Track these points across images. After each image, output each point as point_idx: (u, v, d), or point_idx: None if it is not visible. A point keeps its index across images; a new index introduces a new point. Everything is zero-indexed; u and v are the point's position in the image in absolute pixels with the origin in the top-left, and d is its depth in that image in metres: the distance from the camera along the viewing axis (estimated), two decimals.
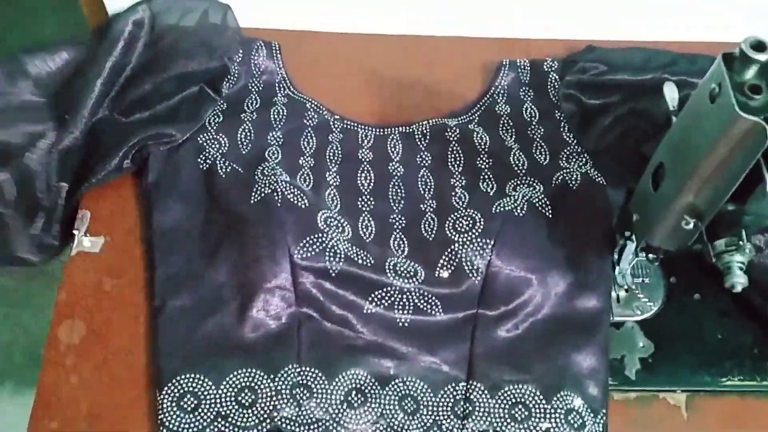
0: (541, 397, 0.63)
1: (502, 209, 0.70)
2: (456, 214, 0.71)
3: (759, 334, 0.70)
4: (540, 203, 0.71)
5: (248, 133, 0.76)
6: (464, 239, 0.68)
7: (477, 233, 0.69)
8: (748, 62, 0.49)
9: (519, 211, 0.70)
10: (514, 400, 0.63)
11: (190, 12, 0.79)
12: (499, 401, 0.63)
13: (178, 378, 0.62)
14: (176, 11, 0.79)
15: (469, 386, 0.64)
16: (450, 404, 0.64)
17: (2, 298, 1.44)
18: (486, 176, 0.74)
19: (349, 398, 0.63)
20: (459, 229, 0.70)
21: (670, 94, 0.62)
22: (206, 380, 0.62)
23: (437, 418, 0.63)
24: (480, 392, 0.64)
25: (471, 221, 0.70)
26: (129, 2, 0.80)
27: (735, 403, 0.67)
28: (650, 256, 0.65)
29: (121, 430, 0.63)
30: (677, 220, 0.57)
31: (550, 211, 0.71)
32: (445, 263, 0.68)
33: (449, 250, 0.68)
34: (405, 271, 0.68)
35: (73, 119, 0.73)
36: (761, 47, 0.49)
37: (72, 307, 0.67)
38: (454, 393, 0.64)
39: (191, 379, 0.62)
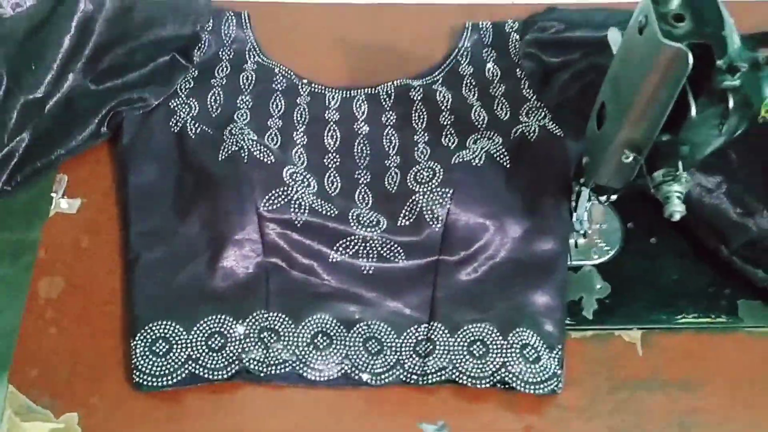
0: (498, 333, 0.66)
1: (461, 160, 0.73)
2: (417, 167, 0.74)
3: (714, 274, 0.72)
4: (498, 154, 0.74)
5: (218, 98, 0.79)
6: (425, 189, 0.71)
7: (436, 183, 0.71)
8: None
9: (477, 161, 0.73)
10: (472, 338, 0.66)
11: None
12: (459, 339, 0.66)
13: (151, 325, 0.65)
14: None
15: (430, 327, 0.67)
16: (412, 344, 0.66)
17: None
18: (448, 132, 0.77)
19: (315, 341, 0.66)
20: (420, 180, 0.72)
21: (613, 38, 0.65)
22: (178, 326, 0.65)
23: (400, 357, 0.66)
24: (441, 332, 0.66)
25: (431, 172, 0.72)
26: None
27: (690, 339, 0.69)
28: (601, 197, 0.68)
29: (99, 376, 0.66)
30: (618, 155, 0.60)
31: (508, 162, 0.74)
32: (407, 213, 0.71)
33: (411, 200, 0.71)
34: (368, 221, 0.70)
35: (41, 71, 0.74)
36: None
37: (51, 263, 0.71)
38: (416, 334, 0.67)
39: (163, 326, 0.65)
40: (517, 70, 0.83)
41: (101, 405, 0.64)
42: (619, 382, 0.67)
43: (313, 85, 0.82)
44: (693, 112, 0.52)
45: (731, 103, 0.52)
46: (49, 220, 0.73)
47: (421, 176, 0.73)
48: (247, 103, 0.79)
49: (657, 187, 0.59)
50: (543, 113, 0.78)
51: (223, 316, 0.66)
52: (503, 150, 0.74)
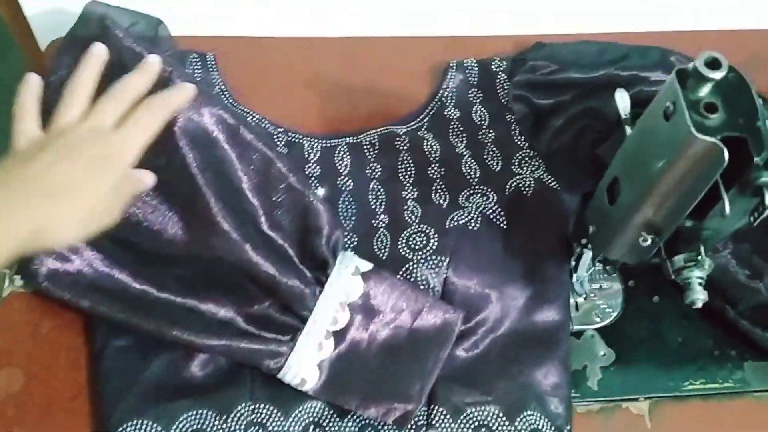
0: (505, 418, 0.62)
1: (456, 223, 0.68)
2: (409, 230, 0.68)
3: (718, 335, 0.69)
4: (494, 214, 0.69)
5: None
6: (418, 257, 0.66)
7: (431, 250, 0.66)
8: (703, 80, 0.47)
9: (473, 224, 0.68)
10: (477, 423, 0.62)
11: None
12: (462, 424, 0.62)
13: (125, 426, 0.59)
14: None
15: (430, 411, 0.62)
16: (412, 430, 0.62)
17: None
18: (438, 186, 0.72)
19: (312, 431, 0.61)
20: (413, 246, 0.67)
21: (622, 102, 0.60)
22: (155, 426, 0.59)
23: None
24: (442, 417, 0.62)
25: (425, 238, 0.67)
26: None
27: (698, 408, 0.66)
28: (608, 267, 0.64)
29: None
30: (635, 235, 0.56)
31: (504, 222, 0.69)
32: None
33: (404, 269, 0.66)
34: None
35: None
36: (716, 64, 0.47)
37: (9, 353, 0.64)
38: (416, 419, 0.62)
39: (139, 426, 0.59)
40: (506, 114, 0.78)
41: None
42: None
43: (289, 134, 0.76)
44: (727, 209, 0.48)
45: None
46: (5, 303, 0.65)
47: (414, 242, 0.68)
48: None
49: (677, 272, 0.55)
50: (537, 163, 0.74)
51: (204, 411, 0.60)
52: (498, 209, 0.70)
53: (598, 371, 0.67)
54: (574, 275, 0.69)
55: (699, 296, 0.54)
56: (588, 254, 0.66)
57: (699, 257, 0.54)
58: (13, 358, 0.63)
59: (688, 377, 0.68)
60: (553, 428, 0.62)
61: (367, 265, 0.64)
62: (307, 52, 0.83)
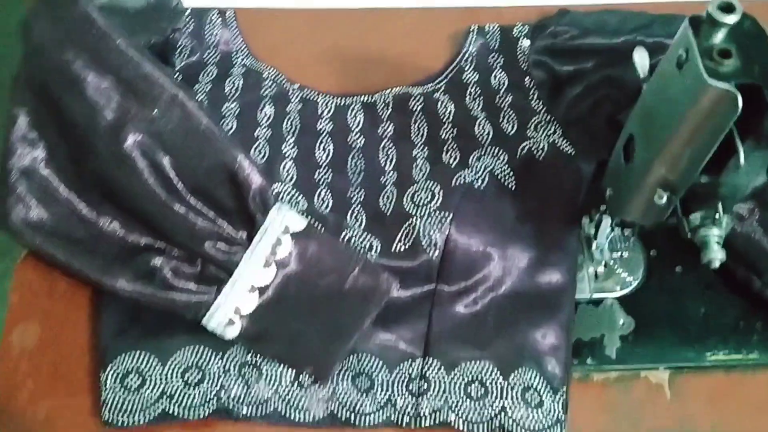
0: (499, 374, 0.61)
1: (462, 181, 0.67)
2: (415, 186, 0.68)
3: (743, 307, 0.67)
4: (503, 175, 0.68)
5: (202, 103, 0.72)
6: (422, 212, 0.65)
7: (435, 206, 0.66)
8: (716, 26, 0.45)
9: (480, 182, 0.67)
10: (470, 377, 0.61)
11: None
12: (455, 378, 0.61)
13: (123, 356, 0.60)
14: None
15: (425, 363, 0.62)
16: (405, 382, 0.61)
17: None
18: (450, 147, 0.71)
19: (300, 378, 0.61)
20: (417, 202, 0.67)
21: (641, 60, 0.58)
22: (152, 357, 0.60)
23: (392, 396, 0.61)
24: (436, 369, 0.61)
25: (430, 194, 0.67)
26: None
27: (720, 380, 0.64)
28: (626, 231, 0.62)
29: None
30: (650, 194, 0.54)
31: (513, 183, 0.68)
32: (403, 237, 0.65)
33: (407, 223, 0.65)
34: (360, 246, 0.65)
35: None
36: (730, 8, 0.45)
37: (25, 309, 0.65)
38: (410, 370, 0.62)
39: (136, 357, 0.60)
40: (526, 79, 0.76)
41: None
42: None
43: (305, 90, 0.76)
44: (741, 159, 0.46)
45: None
46: (21, 261, 0.66)
47: (419, 198, 0.67)
48: (234, 111, 0.72)
49: (693, 231, 0.53)
50: (553, 128, 0.72)
51: (201, 347, 0.61)
52: (508, 170, 0.69)
53: (616, 340, 0.65)
54: (594, 243, 0.67)
55: (717, 255, 0.52)
56: (607, 221, 0.65)
57: (717, 215, 0.52)
58: (29, 314, 0.64)
59: (711, 348, 0.65)
60: (548, 388, 0.61)
61: (299, 224, 0.62)
62: (325, 24, 0.82)
